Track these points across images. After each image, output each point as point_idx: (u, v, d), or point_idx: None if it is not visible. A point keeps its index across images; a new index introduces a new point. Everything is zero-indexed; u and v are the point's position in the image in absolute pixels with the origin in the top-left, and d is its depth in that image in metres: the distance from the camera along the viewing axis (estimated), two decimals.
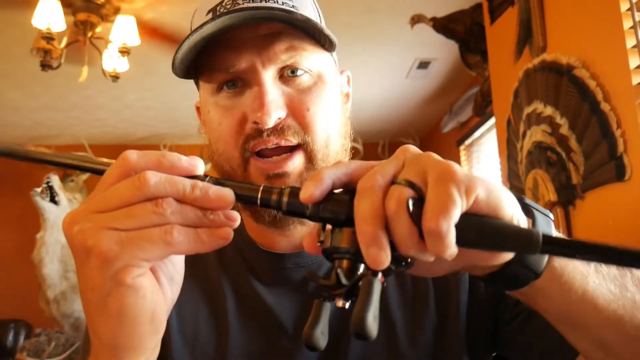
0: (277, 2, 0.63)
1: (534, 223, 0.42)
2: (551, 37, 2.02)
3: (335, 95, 0.68)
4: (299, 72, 0.64)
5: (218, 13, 0.62)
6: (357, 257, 0.37)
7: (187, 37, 0.61)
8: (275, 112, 0.61)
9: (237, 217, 0.41)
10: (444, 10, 2.89)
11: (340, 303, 0.38)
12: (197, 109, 0.76)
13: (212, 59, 0.64)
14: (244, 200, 0.42)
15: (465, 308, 0.67)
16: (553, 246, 0.36)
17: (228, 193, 0.40)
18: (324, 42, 0.66)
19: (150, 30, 3.04)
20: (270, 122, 0.61)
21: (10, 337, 4.22)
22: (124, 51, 2.87)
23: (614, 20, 1.67)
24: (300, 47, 0.63)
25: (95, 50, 2.96)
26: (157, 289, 0.43)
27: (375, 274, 0.36)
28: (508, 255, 0.41)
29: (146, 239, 0.38)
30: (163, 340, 0.68)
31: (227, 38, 0.62)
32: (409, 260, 0.39)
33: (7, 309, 4.38)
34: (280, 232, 0.67)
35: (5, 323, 4.24)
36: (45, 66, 2.87)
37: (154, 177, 0.39)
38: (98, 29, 2.91)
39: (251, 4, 0.62)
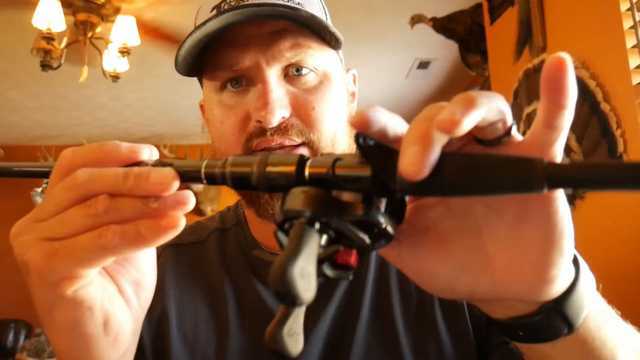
0: None
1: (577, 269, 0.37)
2: (551, 37, 2.02)
3: (341, 94, 0.67)
4: (304, 71, 0.63)
5: (222, 10, 0.61)
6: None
7: (190, 34, 0.60)
8: (279, 111, 0.60)
9: (187, 199, 0.34)
10: (444, 10, 2.89)
11: None
12: (201, 107, 0.75)
13: (215, 57, 0.63)
14: (188, 179, 0.36)
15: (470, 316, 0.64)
16: (561, 178, 0.26)
17: (168, 173, 0.34)
18: (329, 39, 0.65)
19: (151, 30, 3.04)
20: (274, 121, 0.59)
21: (11, 337, 4.22)
22: (124, 51, 2.87)
23: (614, 20, 1.67)
24: (305, 44, 0.63)
25: (96, 50, 2.96)
26: (111, 297, 0.39)
27: (310, 223, 0.30)
28: (556, 289, 0.34)
29: (80, 246, 0.34)
30: (163, 341, 0.68)
31: (230, 36, 0.61)
32: (386, 229, 0.32)
33: (7, 309, 4.37)
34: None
35: (5, 323, 4.24)
36: (45, 66, 2.88)
37: (82, 175, 0.35)
38: (98, 29, 2.91)
39: (256, 1, 0.60)
